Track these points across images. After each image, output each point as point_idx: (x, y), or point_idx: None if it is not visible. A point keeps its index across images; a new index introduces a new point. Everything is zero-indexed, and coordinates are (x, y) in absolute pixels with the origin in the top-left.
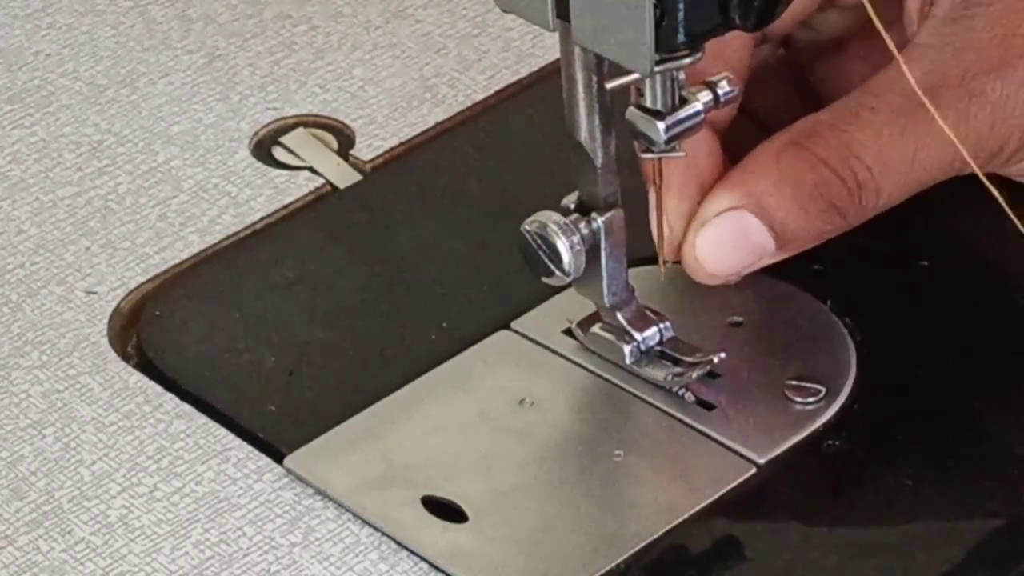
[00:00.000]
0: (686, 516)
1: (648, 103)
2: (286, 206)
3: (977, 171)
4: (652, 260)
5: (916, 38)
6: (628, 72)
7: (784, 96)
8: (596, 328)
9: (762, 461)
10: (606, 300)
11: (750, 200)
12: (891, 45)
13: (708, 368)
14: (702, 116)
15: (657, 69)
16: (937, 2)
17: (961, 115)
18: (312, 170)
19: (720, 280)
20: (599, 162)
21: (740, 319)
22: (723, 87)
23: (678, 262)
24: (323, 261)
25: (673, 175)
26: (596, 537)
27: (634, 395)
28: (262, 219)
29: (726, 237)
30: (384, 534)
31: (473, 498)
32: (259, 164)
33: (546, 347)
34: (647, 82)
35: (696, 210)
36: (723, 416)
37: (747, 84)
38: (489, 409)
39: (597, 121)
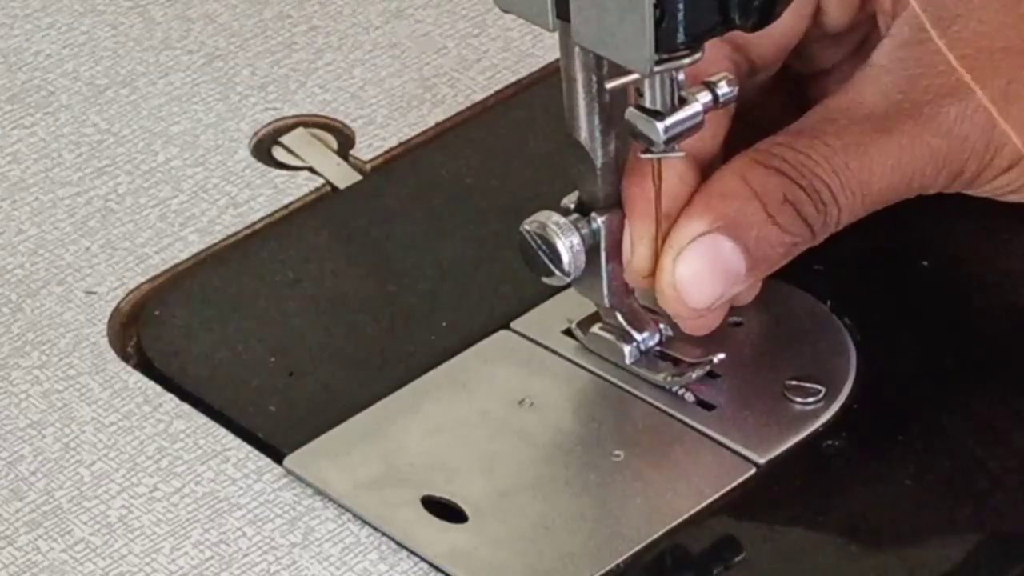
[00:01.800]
0: (686, 516)
1: (648, 103)
2: (286, 206)
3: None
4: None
5: (872, 58)
6: (628, 72)
7: (785, 107)
8: (596, 328)
9: (762, 461)
10: (606, 300)
11: (722, 222)
12: (934, 35)
13: (708, 368)
14: (701, 117)
15: (657, 69)
16: (896, 24)
17: (916, 139)
18: (312, 170)
19: (695, 315)
20: (599, 162)
21: (740, 319)
22: (722, 87)
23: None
24: (323, 261)
25: (637, 200)
26: (596, 537)
27: (634, 395)
28: (262, 219)
29: (703, 265)
30: (384, 534)
31: (473, 498)
32: (259, 164)
33: (546, 347)
34: (647, 82)
35: (656, 232)
36: (723, 416)
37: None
38: (489, 409)
39: (597, 121)
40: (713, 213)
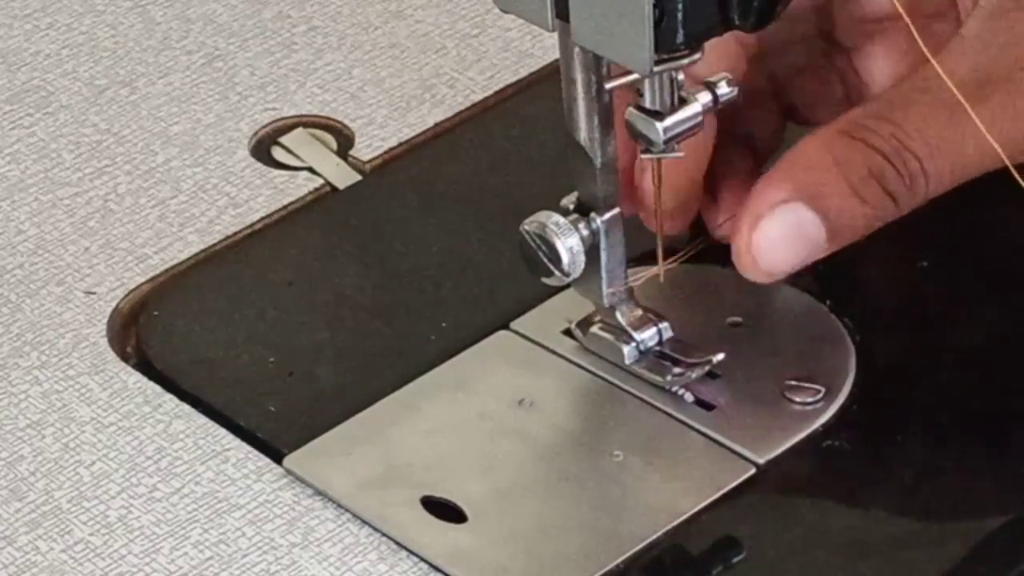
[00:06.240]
0: (686, 516)
1: (647, 104)
2: (285, 206)
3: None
4: (652, 260)
5: (962, 30)
6: (628, 72)
7: (774, 120)
8: (595, 328)
9: (762, 461)
10: (605, 300)
11: (803, 192)
12: (921, 43)
13: (708, 368)
14: (701, 117)
15: (656, 69)
16: None
17: (1008, 107)
18: (311, 170)
19: (773, 279)
20: (598, 162)
21: (740, 319)
22: (722, 88)
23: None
24: (323, 261)
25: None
26: (596, 537)
27: (634, 395)
28: (261, 219)
29: (781, 233)
30: (384, 534)
31: (473, 498)
32: (258, 164)
33: (545, 347)
34: (646, 82)
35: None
36: (723, 416)
37: (737, 108)
38: (489, 409)
39: (597, 121)
40: (794, 182)
